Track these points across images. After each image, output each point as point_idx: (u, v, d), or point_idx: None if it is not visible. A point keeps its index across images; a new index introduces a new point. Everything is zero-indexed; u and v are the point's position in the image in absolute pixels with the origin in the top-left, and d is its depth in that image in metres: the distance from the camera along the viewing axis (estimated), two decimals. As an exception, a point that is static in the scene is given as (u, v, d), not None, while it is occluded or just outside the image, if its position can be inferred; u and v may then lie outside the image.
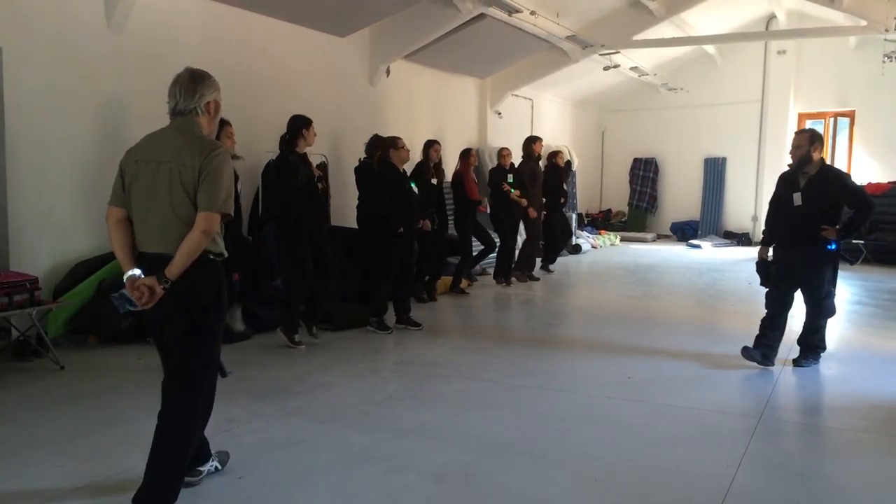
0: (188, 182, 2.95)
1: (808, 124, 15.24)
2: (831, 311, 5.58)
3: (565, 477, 3.56)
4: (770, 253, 5.68)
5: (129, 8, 6.38)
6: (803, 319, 5.62)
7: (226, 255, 3.12)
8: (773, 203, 5.71)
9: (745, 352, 5.56)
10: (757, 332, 5.61)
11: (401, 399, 4.75)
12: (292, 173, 5.85)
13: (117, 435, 3.99)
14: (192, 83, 3.08)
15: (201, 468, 3.35)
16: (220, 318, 3.11)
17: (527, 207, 9.53)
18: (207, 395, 3.15)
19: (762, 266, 5.69)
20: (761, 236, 5.98)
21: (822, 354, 5.66)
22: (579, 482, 3.50)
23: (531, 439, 4.05)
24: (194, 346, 3.03)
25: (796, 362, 5.60)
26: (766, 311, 5.62)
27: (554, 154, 10.85)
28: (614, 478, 3.56)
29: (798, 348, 5.69)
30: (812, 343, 5.61)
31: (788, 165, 5.57)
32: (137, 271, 2.94)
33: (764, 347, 5.54)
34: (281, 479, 3.49)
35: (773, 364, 5.54)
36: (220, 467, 3.49)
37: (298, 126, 5.99)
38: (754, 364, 5.54)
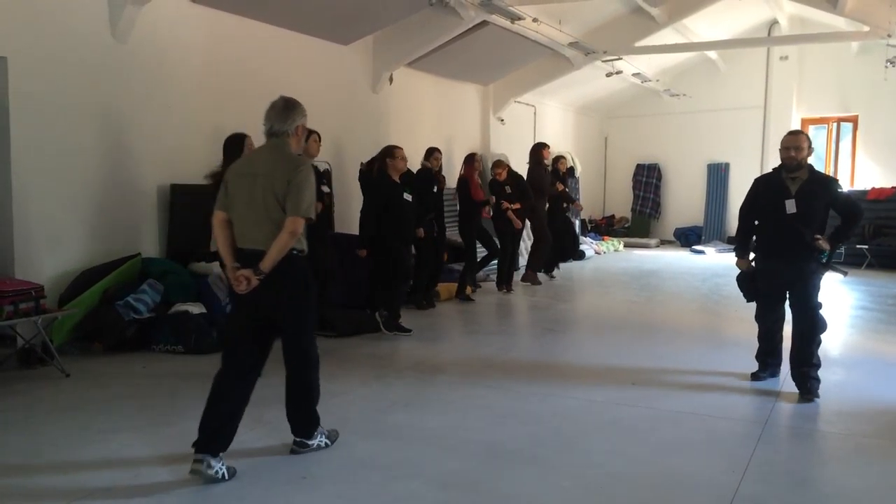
0: (279, 192, 3.55)
1: (811, 130, 15.25)
2: (825, 325, 5.06)
3: (571, 484, 3.55)
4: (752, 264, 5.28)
5: (133, 18, 6.42)
6: (792, 341, 5.03)
7: (307, 251, 3.72)
8: (752, 209, 5.26)
9: (756, 377, 5.30)
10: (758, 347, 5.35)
11: (405, 406, 4.75)
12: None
13: (123, 442, 3.99)
14: (286, 110, 3.71)
15: (310, 442, 3.92)
16: (310, 298, 3.78)
17: (525, 213, 9.57)
18: (314, 353, 3.87)
19: (745, 280, 5.29)
20: (734, 246, 5.54)
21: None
22: (585, 490, 3.50)
23: (536, 446, 4.05)
24: (295, 322, 3.74)
25: (805, 398, 4.88)
26: (759, 326, 5.30)
27: (556, 159, 10.89)
28: (620, 485, 3.56)
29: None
30: (811, 374, 4.94)
31: (776, 169, 5.13)
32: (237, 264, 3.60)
33: (772, 367, 5.33)
34: (285, 486, 3.49)
35: (778, 373, 5.36)
36: (329, 443, 3.99)
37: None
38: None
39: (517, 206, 9.32)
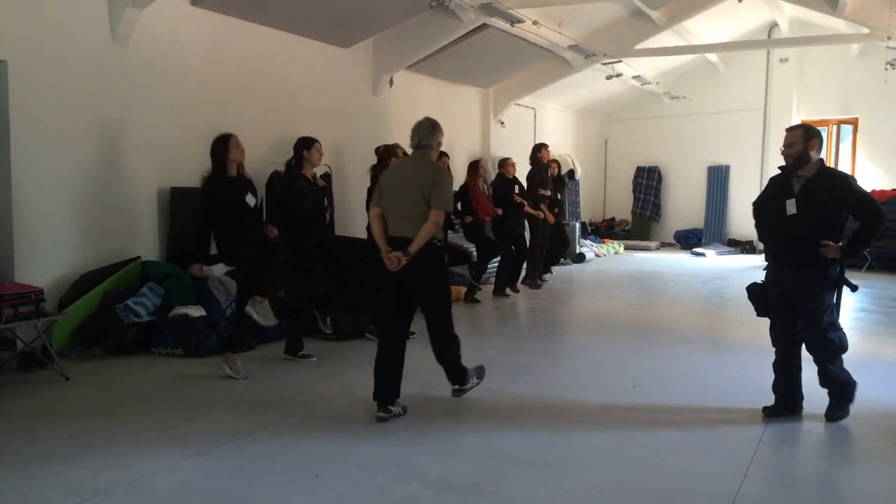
0: (424, 191, 4.46)
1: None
2: (838, 348, 4.38)
3: (572, 487, 3.55)
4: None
5: (133, 21, 6.42)
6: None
7: (443, 240, 4.48)
8: (759, 208, 4.69)
9: (770, 412, 4.56)
10: (773, 357, 4.65)
11: (405, 408, 4.74)
12: (295, 198, 5.84)
13: (123, 446, 3.98)
14: (432, 129, 4.68)
15: (465, 386, 4.85)
16: (445, 276, 4.75)
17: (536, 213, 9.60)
18: (450, 319, 4.70)
19: (756, 291, 4.64)
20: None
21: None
22: (586, 492, 3.49)
23: (537, 449, 4.04)
24: (439, 297, 4.66)
25: (829, 417, 4.48)
26: (774, 348, 4.62)
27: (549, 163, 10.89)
28: (620, 487, 3.55)
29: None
30: (838, 390, 4.47)
31: (780, 168, 4.59)
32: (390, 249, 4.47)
33: (786, 399, 4.58)
34: (286, 489, 3.48)
35: (801, 409, 4.60)
36: (478, 381, 4.91)
37: (299, 148, 5.98)
38: (757, 372, 5.51)
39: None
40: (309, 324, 6.18)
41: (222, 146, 5.36)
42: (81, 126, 6.22)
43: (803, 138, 4.43)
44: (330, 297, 6.18)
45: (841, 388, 4.47)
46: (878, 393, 5.12)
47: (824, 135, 15.03)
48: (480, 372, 4.97)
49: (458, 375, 4.81)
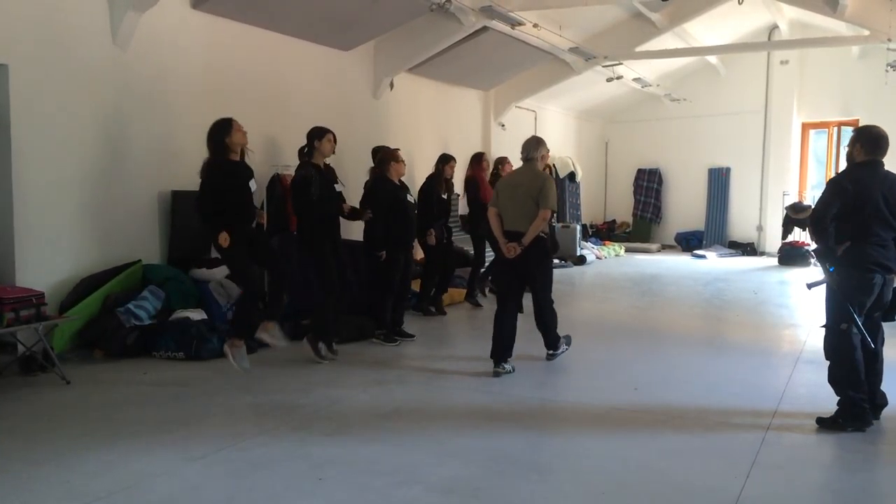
0: (533, 194, 5.58)
1: (812, 134, 15.26)
2: (837, 350, 4.36)
3: (573, 490, 3.54)
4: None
5: (134, 24, 6.43)
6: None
7: (548, 233, 5.72)
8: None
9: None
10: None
11: (407, 411, 4.74)
12: (304, 187, 5.85)
13: (124, 450, 3.98)
14: (537, 145, 5.86)
15: (557, 352, 6.04)
16: (550, 263, 5.97)
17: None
18: (551, 296, 5.90)
19: None
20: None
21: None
22: (587, 495, 3.49)
23: (538, 452, 4.04)
24: (544, 278, 5.86)
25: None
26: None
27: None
28: (622, 490, 3.55)
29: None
30: (839, 403, 4.41)
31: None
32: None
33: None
34: (287, 492, 3.48)
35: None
36: (567, 347, 6.14)
37: (310, 138, 6.04)
38: (759, 377, 5.51)
39: None
40: (332, 319, 6.11)
41: (223, 130, 5.32)
42: (82, 130, 6.22)
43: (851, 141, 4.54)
44: (322, 318, 6.09)
45: (839, 402, 4.41)
46: (879, 395, 5.11)
47: (825, 137, 15.07)
48: (569, 340, 6.18)
49: (552, 342, 5.99)
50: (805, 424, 4.51)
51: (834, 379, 4.40)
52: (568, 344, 6.14)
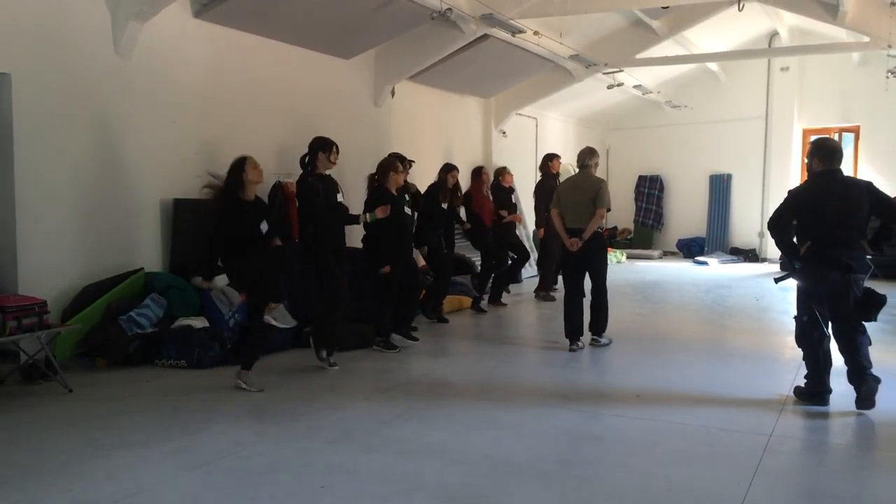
0: (591, 196, 6.53)
1: (813, 140, 15.24)
2: (801, 339, 5.11)
3: (575, 497, 3.54)
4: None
5: (136, 33, 6.45)
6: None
7: (604, 229, 5.98)
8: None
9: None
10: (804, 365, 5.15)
11: (409, 419, 4.73)
12: (310, 195, 5.85)
13: (126, 458, 3.98)
14: (590, 154, 6.79)
15: (601, 340, 6.85)
16: (606, 253, 6.94)
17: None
18: (606, 283, 6.78)
19: None
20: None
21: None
22: (589, 502, 3.48)
23: (540, 459, 4.03)
24: (601, 266, 6.74)
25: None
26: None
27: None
28: (624, 498, 3.54)
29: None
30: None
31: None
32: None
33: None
34: (290, 500, 3.47)
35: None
36: (609, 342, 6.89)
37: (314, 149, 6.03)
38: (762, 383, 5.50)
39: (518, 218, 9.37)
40: (333, 329, 6.10)
41: (238, 168, 5.33)
42: (84, 138, 6.24)
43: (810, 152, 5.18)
44: (324, 328, 6.08)
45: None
46: (884, 402, 5.10)
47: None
48: (610, 340, 6.90)
49: (601, 327, 6.79)
50: (808, 431, 4.50)
51: (805, 360, 5.08)
52: (610, 341, 6.85)
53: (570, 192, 6.71)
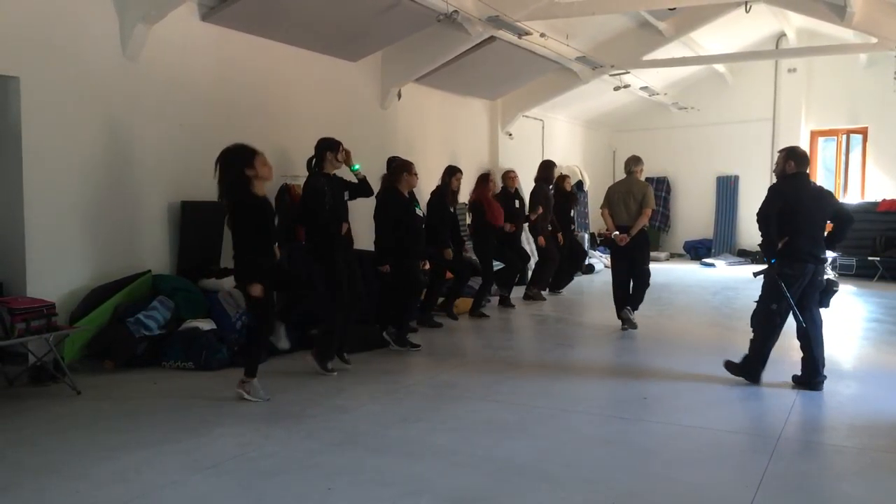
0: (637, 197, 7.60)
1: (821, 142, 15.22)
2: (768, 324, 5.62)
3: (582, 500, 3.53)
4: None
5: (143, 36, 6.48)
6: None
7: (648, 226, 7.72)
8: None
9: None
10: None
11: (415, 421, 4.74)
12: (318, 197, 5.86)
13: (134, 459, 3.99)
14: (635, 162, 7.89)
15: (634, 322, 7.80)
16: (649, 248, 8.04)
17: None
18: (649, 272, 7.80)
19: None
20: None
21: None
22: (596, 505, 3.48)
23: (546, 462, 4.03)
24: (645, 257, 7.77)
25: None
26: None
27: (561, 178, 10.87)
28: (631, 500, 3.53)
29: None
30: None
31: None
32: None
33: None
34: (296, 502, 3.48)
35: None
36: (636, 328, 7.72)
37: (321, 149, 6.03)
38: (771, 383, 5.49)
39: (512, 227, 9.28)
40: (342, 333, 6.06)
41: (248, 156, 5.14)
42: (93, 141, 6.26)
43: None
44: (329, 334, 5.99)
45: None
46: (890, 404, 5.09)
47: (834, 145, 15.02)
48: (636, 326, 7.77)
49: (638, 303, 7.81)
50: (816, 433, 4.49)
51: (753, 342, 5.61)
52: (636, 328, 7.73)
53: (619, 195, 7.71)
